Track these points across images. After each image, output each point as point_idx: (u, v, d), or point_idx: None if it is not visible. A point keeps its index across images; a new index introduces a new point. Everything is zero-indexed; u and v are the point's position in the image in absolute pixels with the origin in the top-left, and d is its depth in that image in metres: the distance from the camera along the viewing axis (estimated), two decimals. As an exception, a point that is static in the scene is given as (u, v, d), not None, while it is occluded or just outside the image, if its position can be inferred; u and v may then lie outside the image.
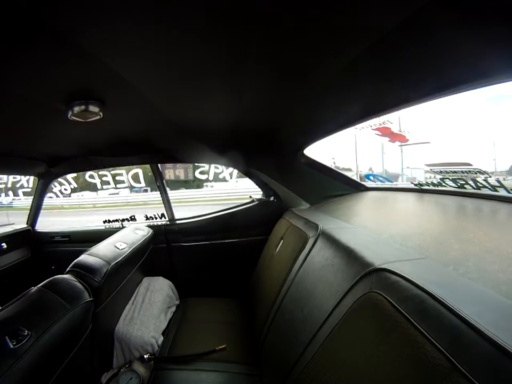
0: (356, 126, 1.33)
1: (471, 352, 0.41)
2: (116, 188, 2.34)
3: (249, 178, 2.12)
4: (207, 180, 2.33)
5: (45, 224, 2.28)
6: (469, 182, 1.20)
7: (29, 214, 2.18)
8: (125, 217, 2.19)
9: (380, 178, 1.90)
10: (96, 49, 0.63)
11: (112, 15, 0.51)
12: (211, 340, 1.35)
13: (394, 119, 1.24)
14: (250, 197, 2.19)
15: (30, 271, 2.09)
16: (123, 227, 2.09)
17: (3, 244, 1.91)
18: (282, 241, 1.52)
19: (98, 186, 2.29)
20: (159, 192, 2.16)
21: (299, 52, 0.68)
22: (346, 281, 0.76)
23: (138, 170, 2.24)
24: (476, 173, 1.16)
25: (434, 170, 1.36)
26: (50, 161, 1.94)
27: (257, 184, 2.13)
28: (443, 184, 1.34)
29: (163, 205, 2.17)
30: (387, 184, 1.86)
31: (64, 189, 2.25)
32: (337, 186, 1.95)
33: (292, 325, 0.98)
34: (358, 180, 1.99)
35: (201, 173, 2.28)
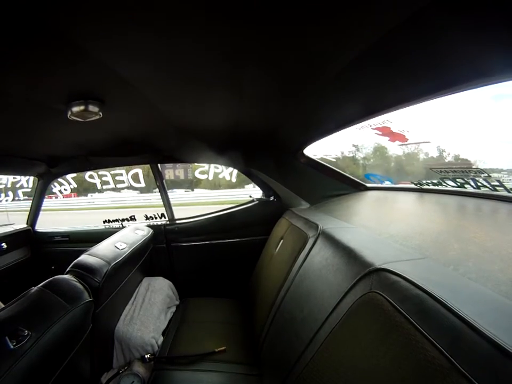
0: (356, 126, 1.33)
1: (471, 352, 0.41)
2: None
3: (249, 178, 2.12)
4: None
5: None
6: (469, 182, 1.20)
7: (29, 214, 2.18)
8: (124, 217, 2.19)
9: (380, 178, 1.90)
10: (96, 49, 0.63)
11: (112, 15, 0.51)
12: (211, 340, 1.35)
13: (394, 118, 1.23)
14: (250, 196, 2.19)
15: (30, 271, 2.09)
16: (123, 227, 2.09)
17: (3, 244, 1.91)
18: (282, 241, 1.52)
19: (99, 186, 2.29)
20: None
21: (299, 52, 0.68)
22: (346, 281, 0.76)
23: (138, 170, 2.24)
24: (475, 173, 1.16)
25: (434, 169, 1.36)
26: (50, 161, 1.94)
27: (257, 184, 2.13)
28: (443, 183, 1.34)
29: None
30: (387, 184, 1.86)
31: (64, 189, 2.25)
32: (337, 186, 1.95)
33: (291, 325, 0.98)
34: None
35: (201, 173, 2.28)
